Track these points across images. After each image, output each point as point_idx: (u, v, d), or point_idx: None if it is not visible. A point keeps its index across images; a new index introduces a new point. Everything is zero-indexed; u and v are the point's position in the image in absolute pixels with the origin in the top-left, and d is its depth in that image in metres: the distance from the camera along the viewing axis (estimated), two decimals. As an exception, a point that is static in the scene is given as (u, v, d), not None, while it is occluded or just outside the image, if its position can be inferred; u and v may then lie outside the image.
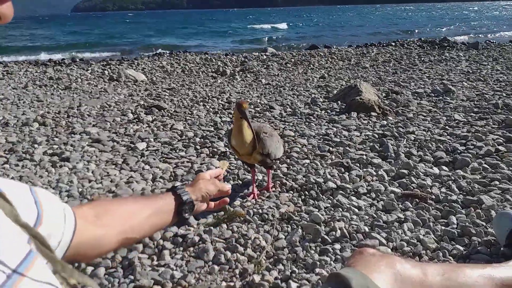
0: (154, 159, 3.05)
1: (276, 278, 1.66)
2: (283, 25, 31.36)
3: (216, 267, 1.74)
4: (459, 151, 2.97)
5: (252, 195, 2.37)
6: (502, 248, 1.73)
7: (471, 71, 6.59)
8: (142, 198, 1.19)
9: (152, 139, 3.51)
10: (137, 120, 4.18)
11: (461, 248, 1.81)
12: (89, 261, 1.59)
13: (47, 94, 5.66)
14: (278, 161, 2.51)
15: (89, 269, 1.75)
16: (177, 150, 3.23)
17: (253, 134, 2.12)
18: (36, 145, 3.38)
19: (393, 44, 11.87)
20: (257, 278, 1.64)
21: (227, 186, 1.23)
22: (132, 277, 1.70)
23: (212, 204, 1.20)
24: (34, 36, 24.47)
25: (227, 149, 3.19)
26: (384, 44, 12.14)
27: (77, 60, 10.14)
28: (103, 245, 0.86)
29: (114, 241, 0.89)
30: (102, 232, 0.85)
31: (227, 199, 1.26)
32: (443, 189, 2.40)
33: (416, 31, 21.36)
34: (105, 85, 6.37)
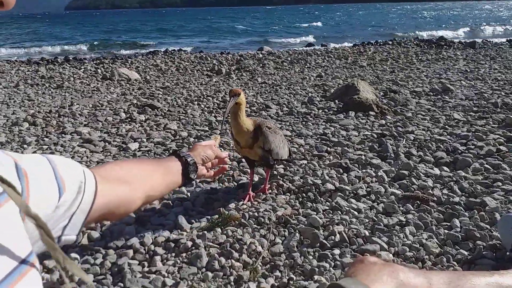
0: (146, 159, 2.95)
1: (272, 286, 1.58)
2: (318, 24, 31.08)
3: (210, 274, 1.65)
4: (459, 151, 2.90)
5: (247, 197, 2.28)
6: (508, 253, 1.66)
7: (469, 70, 6.54)
8: (152, 160, 1.25)
9: (144, 139, 3.42)
10: (129, 119, 4.08)
11: (466, 253, 1.74)
12: (119, 219, 1.58)
13: (39, 93, 5.55)
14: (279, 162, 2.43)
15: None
16: (170, 151, 3.14)
17: (233, 120, 2.06)
18: (25, 146, 3.28)
19: (390, 43, 11.84)
20: (252, 285, 1.56)
21: (224, 153, 1.29)
22: (121, 284, 1.61)
23: (212, 172, 1.23)
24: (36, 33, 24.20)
25: (222, 150, 3.10)
26: (381, 43, 12.09)
27: (70, 58, 10.01)
28: (128, 202, 0.88)
29: (138, 198, 0.91)
30: (127, 190, 0.87)
31: (226, 166, 1.29)
32: (445, 191, 2.32)
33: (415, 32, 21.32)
34: (98, 84, 6.26)
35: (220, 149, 1.40)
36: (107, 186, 0.81)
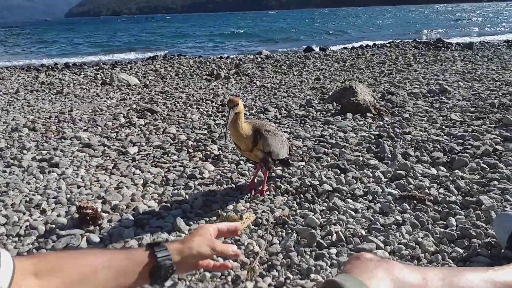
0: (145, 163, 2.98)
1: (270, 285, 1.60)
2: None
3: (208, 274, 1.66)
4: (456, 151, 2.92)
5: (248, 188, 2.34)
6: (503, 250, 1.68)
7: (466, 71, 6.57)
8: (112, 252, 0.97)
9: (144, 143, 3.44)
10: (129, 124, 4.11)
11: (461, 251, 1.75)
12: None
13: (38, 99, 5.58)
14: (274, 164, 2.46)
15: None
16: (169, 154, 3.16)
17: (232, 127, 2.09)
18: (25, 151, 3.30)
19: (388, 45, 11.88)
20: (250, 285, 1.58)
21: (232, 249, 1.00)
22: (120, 286, 1.63)
23: (211, 263, 0.99)
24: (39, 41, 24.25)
25: (221, 152, 3.13)
26: (379, 45, 12.14)
27: (70, 64, 10.06)
28: None
29: None
30: (43, 286, 0.71)
31: (229, 264, 1.04)
32: (442, 190, 2.34)
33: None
34: (97, 89, 6.30)
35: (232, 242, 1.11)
36: (28, 277, 0.70)
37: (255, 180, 2.48)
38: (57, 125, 4.13)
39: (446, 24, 29.05)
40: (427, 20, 37.67)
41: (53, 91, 6.21)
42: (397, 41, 13.29)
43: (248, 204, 2.26)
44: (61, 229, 2.03)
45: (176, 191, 2.44)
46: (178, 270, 0.91)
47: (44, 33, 34.56)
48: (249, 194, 2.36)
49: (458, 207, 2.12)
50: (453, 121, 3.70)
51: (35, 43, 22.46)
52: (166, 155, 3.16)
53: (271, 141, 2.23)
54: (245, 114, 2.40)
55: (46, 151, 3.29)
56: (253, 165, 2.82)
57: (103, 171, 2.85)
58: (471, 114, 3.90)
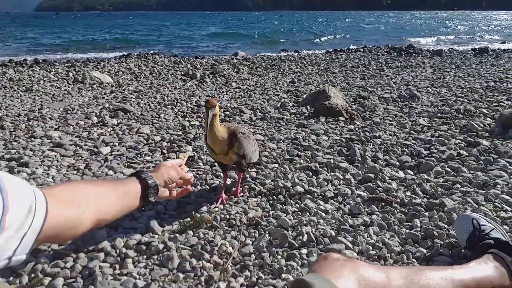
0: (118, 164, 2.95)
1: (242, 285, 1.63)
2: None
3: (181, 275, 1.68)
4: (423, 155, 3.04)
5: (220, 200, 2.33)
6: (463, 250, 1.77)
7: (435, 78, 6.81)
8: (110, 181, 1.18)
9: (116, 143, 3.41)
10: (101, 123, 4.06)
11: (424, 251, 1.84)
12: (65, 241, 1.60)
13: (7, 96, 5.42)
14: (250, 166, 2.50)
15: (47, 279, 1.66)
16: (143, 155, 3.15)
17: (207, 133, 2.10)
18: (-8, 150, 3.21)
19: (362, 50, 12.14)
20: (223, 285, 1.61)
21: (189, 175, 1.26)
22: (92, 287, 1.62)
23: (174, 192, 1.22)
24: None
25: (195, 154, 3.14)
26: (353, 50, 12.39)
27: (40, 61, 9.78)
28: (78, 225, 0.87)
29: (89, 222, 0.90)
30: (77, 213, 0.86)
31: (190, 188, 1.26)
32: (408, 193, 2.44)
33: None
34: (69, 87, 6.17)
35: (187, 169, 1.38)
36: (57, 208, 0.80)
37: (223, 191, 2.44)
38: (27, 124, 4.03)
39: (420, 31, 29.92)
40: (403, 26, 38.66)
41: (22, 88, 6.04)
42: (370, 46, 13.61)
43: (222, 206, 2.29)
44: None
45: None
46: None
47: (12, 27, 33.35)
48: (217, 204, 2.31)
49: (423, 209, 2.22)
50: (421, 126, 3.85)
51: (1, 38, 21.66)
52: (139, 155, 3.14)
53: (246, 144, 2.25)
54: (220, 115, 2.43)
55: (15, 150, 3.22)
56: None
57: (75, 171, 2.81)
58: (438, 120, 4.06)
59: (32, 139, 3.53)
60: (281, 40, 21.16)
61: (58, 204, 0.81)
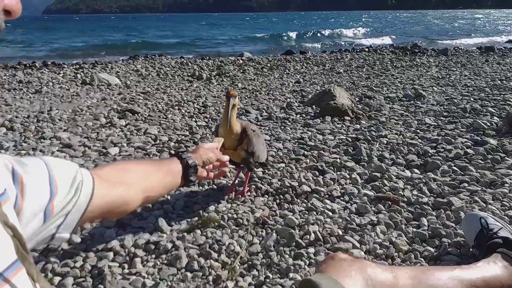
0: (126, 164, 2.98)
1: (250, 284, 1.65)
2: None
3: (189, 274, 1.70)
4: (430, 154, 3.03)
5: (232, 191, 2.39)
6: (471, 249, 1.77)
7: (440, 77, 6.78)
8: (153, 160, 1.27)
9: (125, 144, 3.44)
10: (109, 124, 4.09)
11: (432, 250, 1.84)
12: (117, 217, 1.66)
13: (16, 98, 5.48)
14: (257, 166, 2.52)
15: (57, 279, 1.69)
16: (151, 155, 3.18)
17: (229, 122, 2.11)
18: (2, 151, 3.26)
19: (366, 50, 12.11)
20: (230, 284, 1.62)
21: (226, 157, 1.32)
22: (101, 286, 1.65)
23: (212, 174, 1.26)
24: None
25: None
26: (358, 50, 12.36)
27: (49, 63, 9.87)
28: (126, 202, 0.91)
29: (138, 199, 0.95)
30: (125, 191, 0.90)
31: (226, 170, 1.31)
32: (415, 192, 2.44)
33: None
34: (77, 89, 6.22)
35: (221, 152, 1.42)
36: (106, 187, 0.85)
37: (236, 182, 2.53)
38: (36, 125, 4.08)
39: (424, 30, 29.72)
40: (406, 25, 38.45)
41: (31, 90, 6.11)
42: (375, 45, 13.57)
43: (229, 205, 2.31)
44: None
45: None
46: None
47: (22, 30, 33.66)
48: (230, 195, 2.40)
49: (430, 208, 2.22)
50: (427, 125, 3.84)
51: (11, 41, 21.86)
52: (147, 156, 3.17)
53: (255, 142, 2.26)
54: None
55: (25, 151, 3.26)
56: (234, 166, 2.87)
57: (84, 172, 2.84)
58: (444, 119, 4.05)
59: (42, 140, 3.57)
60: (287, 41, 21.13)
61: (106, 183, 0.85)
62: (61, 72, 7.91)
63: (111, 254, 1.84)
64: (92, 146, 3.40)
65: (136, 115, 4.47)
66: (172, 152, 2.92)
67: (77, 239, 1.96)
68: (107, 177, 0.89)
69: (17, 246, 0.48)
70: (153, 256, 1.84)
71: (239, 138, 2.20)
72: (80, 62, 10.31)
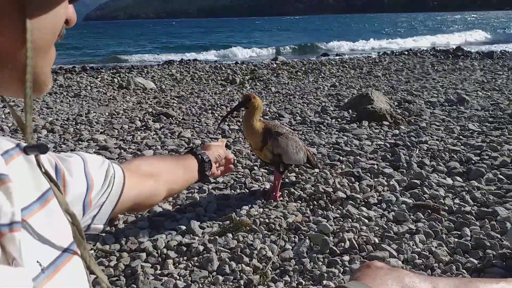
0: (161, 166, 3.01)
1: (282, 290, 1.60)
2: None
3: (221, 278, 1.68)
4: (473, 162, 2.88)
5: (274, 194, 2.40)
6: (519, 262, 1.65)
7: (485, 81, 6.48)
8: (172, 156, 1.30)
9: (159, 147, 3.49)
10: (145, 127, 4.17)
11: (475, 261, 1.73)
12: (144, 210, 1.76)
13: (57, 102, 5.70)
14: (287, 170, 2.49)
15: (92, 277, 1.71)
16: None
17: (244, 122, 2.23)
18: (44, 151, 3.38)
19: (406, 53, 11.80)
20: (262, 290, 1.59)
21: (231, 154, 1.34)
22: (134, 286, 1.66)
23: (219, 171, 1.28)
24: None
25: (235, 158, 3.15)
26: (397, 53, 12.06)
27: (88, 68, 10.24)
28: (154, 195, 0.95)
29: (163, 191, 0.98)
30: (154, 184, 0.94)
31: (232, 166, 1.33)
32: (457, 200, 2.32)
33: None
34: (114, 92, 6.40)
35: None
36: (135, 179, 0.88)
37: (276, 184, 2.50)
38: (75, 127, 4.21)
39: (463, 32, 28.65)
40: (448, 27, 37.21)
41: (70, 93, 6.34)
42: (416, 49, 13.20)
43: (261, 210, 2.28)
44: None
45: (190, 195, 2.47)
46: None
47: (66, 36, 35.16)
48: (264, 198, 2.40)
49: (473, 218, 2.10)
50: (470, 131, 3.66)
51: (58, 47, 22.86)
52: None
53: (282, 144, 2.23)
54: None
55: (64, 153, 3.36)
56: (267, 170, 2.84)
57: (120, 173, 2.90)
58: (489, 124, 3.85)
59: (80, 142, 3.68)
60: (322, 44, 20.93)
61: (136, 176, 0.89)
62: (99, 76, 8.18)
63: (144, 255, 1.85)
64: (127, 148, 3.46)
65: (170, 118, 4.53)
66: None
67: (111, 239, 1.99)
68: (136, 170, 0.93)
69: (75, 232, 0.52)
70: (185, 258, 1.84)
71: (262, 139, 2.21)
72: (117, 66, 10.62)
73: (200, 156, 1.14)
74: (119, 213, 0.87)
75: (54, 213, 0.53)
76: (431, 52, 11.46)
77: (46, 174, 0.52)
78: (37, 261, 0.46)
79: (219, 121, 4.21)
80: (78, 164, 0.72)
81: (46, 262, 0.47)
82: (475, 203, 2.28)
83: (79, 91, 6.52)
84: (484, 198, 2.30)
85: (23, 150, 0.52)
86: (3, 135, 0.56)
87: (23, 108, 0.44)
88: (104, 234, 2.01)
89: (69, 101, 5.78)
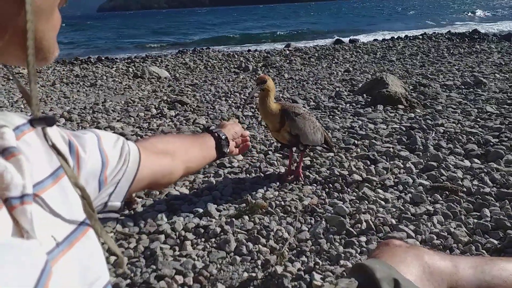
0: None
1: (299, 270, 1.62)
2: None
3: (238, 258, 1.70)
4: (491, 144, 2.83)
5: (290, 176, 2.42)
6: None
7: (503, 63, 6.33)
8: (189, 135, 1.29)
9: (175, 133, 3.52)
10: (160, 115, 4.20)
11: (495, 242, 1.72)
12: (162, 188, 1.77)
13: (74, 91, 5.77)
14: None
15: (112, 258, 1.75)
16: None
17: (260, 104, 2.21)
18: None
19: (420, 37, 11.56)
20: (279, 269, 1.60)
21: (247, 132, 1.35)
22: (154, 266, 1.69)
23: (236, 150, 1.28)
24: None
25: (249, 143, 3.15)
26: (411, 37, 11.84)
27: (103, 58, 10.32)
28: (171, 172, 0.94)
29: (180, 169, 0.97)
30: (170, 162, 0.93)
31: (249, 143, 1.33)
32: (475, 182, 2.29)
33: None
34: (129, 82, 6.45)
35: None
36: (151, 157, 0.87)
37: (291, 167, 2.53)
38: (92, 116, 4.27)
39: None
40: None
41: (87, 83, 6.41)
42: (430, 32, 12.92)
43: (276, 193, 2.29)
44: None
45: (206, 179, 2.49)
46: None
47: (78, 27, 35.47)
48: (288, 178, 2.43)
49: (493, 199, 2.07)
50: (488, 114, 3.59)
51: (72, 37, 23.08)
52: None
53: (300, 124, 2.23)
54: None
55: (82, 140, 3.41)
56: (281, 155, 2.84)
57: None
58: (508, 107, 3.77)
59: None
60: (335, 30, 20.66)
61: (152, 154, 0.89)
62: (114, 66, 8.24)
63: (162, 237, 1.88)
64: (144, 135, 3.50)
65: (185, 106, 4.55)
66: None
67: (130, 222, 2.02)
68: (152, 148, 0.92)
69: (85, 205, 0.52)
70: (203, 239, 1.86)
71: (280, 120, 2.22)
72: (132, 56, 10.68)
73: (216, 133, 1.14)
74: (136, 191, 0.86)
75: (67, 189, 0.53)
76: (446, 36, 11.21)
77: (53, 147, 0.51)
78: (52, 236, 0.46)
79: (241, 106, 4.34)
80: (92, 141, 0.71)
81: (60, 237, 0.47)
82: (495, 185, 2.24)
83: (95, 80, 6.58)
84: (504, 180, 2.27)
85: (29, 122, 0.50)
86: (14, 111, 0.55)
87: (27, 77, 0.42)
88: (123, 217, 2.05)
89: (86, 90, 5.85)
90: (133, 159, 0.80)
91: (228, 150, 1.16)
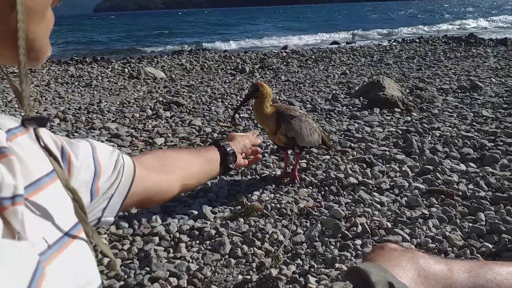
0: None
1: (294, 273, 1.61)
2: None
3: (233, 260, 1.69)
4: (487, 148, 2.84)
5: (286, 178, 2.42)
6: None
7: (499, 67, 6.37)
8: (192, 149, 1.29)
9: (170, 135, 3.50)
10: (155, 116, 4.18)
11: (490, 246, 1.71)
12: (155, 205, 1.69)
13: (68, 91, 5.74)
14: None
15: (105, 260, 1.73)
16: (195, 145, 3.21)
17: (255, 108, 2.25)
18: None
19: (417, 40, 11.62)
20: (274, 272, 1.59)
21: (259, 139, 1.31)
22: (148, 268, 1.68)
23: (246, 161, 1.25)
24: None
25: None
26: (408, 41, 11.89)
27: (98, 58, 10.28)
28: (165, 190, 0.92)
29: (177, 187, 0.95)
30: (166, 179, 0.91)
31: (260, 156, 1.30)
32: (471, 186, 2.29)
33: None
34: (125, 82, 6.43)
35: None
36: (146, 173, 0.85)
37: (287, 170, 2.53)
38: (87, 116, 4.24)
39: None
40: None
41: (82, 83, 6.38)
42: (427, 36, 12.99)
43: (272, 195, 2.28)
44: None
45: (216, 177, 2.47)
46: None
47: (74, 27, 35.32)
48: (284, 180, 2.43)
49: (488, 203, 2.07)
50: (484, 118, 3.61)
51: (68, 37, 22.98)
52: (192, 146, 3.20)
53: (295, 127, 2.23)
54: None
55: (77, 140, 3.39)
56: (277, 157, 2.84)
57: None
58: (503, 111, 3.79)
59: (92, 130, 3.71)
60: (332, 32, 20.69)
61: (147, 170, 0.87)
62: (110, 66, 8.21)
63: (156, 239, 1.87)
64: (139, 136, 3.48)
65: (181, 107, 4.54)
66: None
67: (124, 224, 2.01)
68: (148, 164, 0.90)
69: (76, 207, 0.52)
70: (197, 241, 1.85)
71: (275, 123, 2.22)
72: (128, 57, 10.64)
73: (223, 148, 1.12)
74: (129, 207, 0.84)
75: (59, 192, 0.53)
76: (442, 40, 11.27)
77: (45, 148, 0.50)
78: (43, 238, 0.45)
79: (231, 116, 4.22)
80: (86, 149, 0.70)
81: (52, 240, 0.47)
82: (490, 189, 2.25)
83: (90, 81, 6.55)
84: (499, 184, 2.27)
85: (21, 122, 0.50)
86: (8, 111, 0.54)
87: (18, 77, 0.41)
88: (117, 219, 2.03)
89: (81, 90, 5.82)
90: (127, 173, 0.78)
91: (234, 166, 1.14)
